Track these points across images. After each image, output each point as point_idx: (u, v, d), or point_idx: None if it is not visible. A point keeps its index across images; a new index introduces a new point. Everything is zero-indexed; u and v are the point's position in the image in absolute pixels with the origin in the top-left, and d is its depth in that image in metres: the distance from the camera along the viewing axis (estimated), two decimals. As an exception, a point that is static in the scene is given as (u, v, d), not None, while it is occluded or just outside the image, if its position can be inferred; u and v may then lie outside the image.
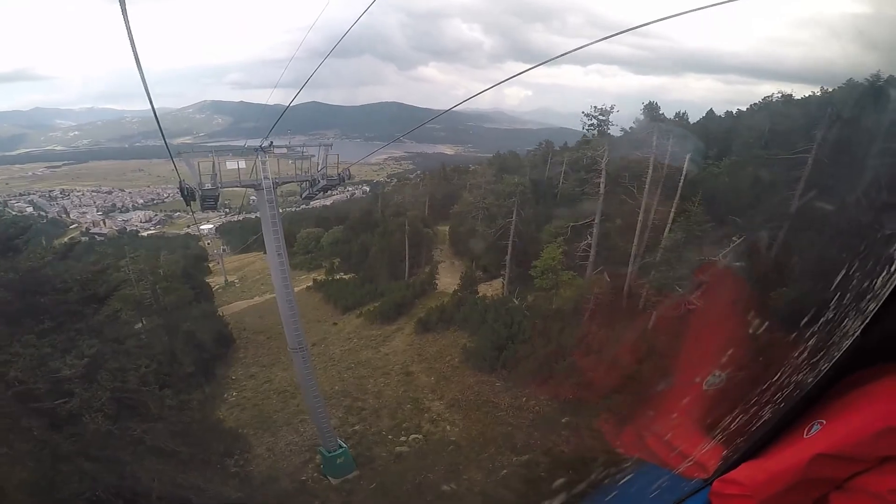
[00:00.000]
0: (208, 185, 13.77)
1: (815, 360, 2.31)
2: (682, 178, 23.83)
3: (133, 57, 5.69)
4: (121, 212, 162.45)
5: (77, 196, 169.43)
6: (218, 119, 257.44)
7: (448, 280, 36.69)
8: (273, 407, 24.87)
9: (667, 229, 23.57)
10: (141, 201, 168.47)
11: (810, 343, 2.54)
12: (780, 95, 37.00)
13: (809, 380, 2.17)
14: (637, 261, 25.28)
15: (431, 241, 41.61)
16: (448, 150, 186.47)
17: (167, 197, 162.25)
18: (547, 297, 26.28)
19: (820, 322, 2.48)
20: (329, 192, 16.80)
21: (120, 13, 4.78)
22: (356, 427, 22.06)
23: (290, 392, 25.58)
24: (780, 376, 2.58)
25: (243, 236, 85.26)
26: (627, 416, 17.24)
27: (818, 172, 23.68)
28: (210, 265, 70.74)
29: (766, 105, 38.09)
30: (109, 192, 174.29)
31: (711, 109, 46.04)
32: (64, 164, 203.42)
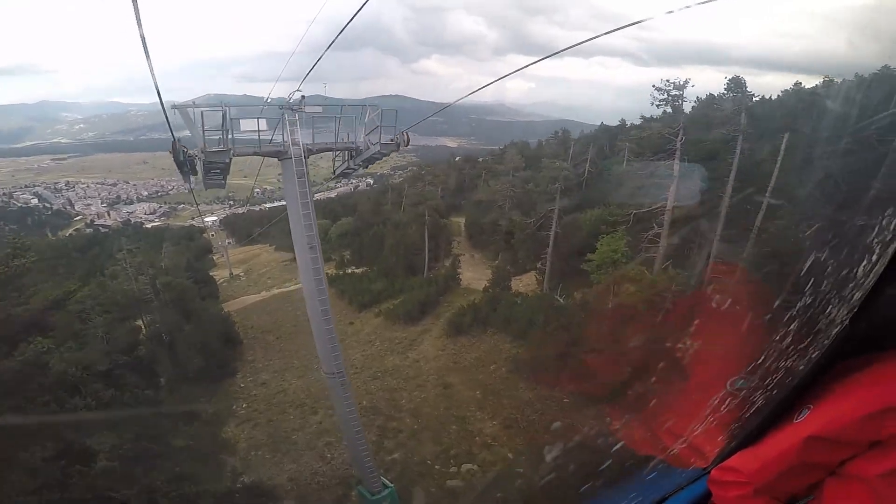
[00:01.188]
0: (216, 148, 9.74)
1: (802, 346, 2.36)
2: (779, 159, 20.02)
3: (143, 50, 5.36)
4: (125, 204, 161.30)
5: (82, 188, 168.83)
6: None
7: (470, 275, 33.04)
8: (291, 424, 21.34)
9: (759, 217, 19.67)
10: (145, 193, 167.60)
11: (792, 328, 2.56)
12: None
13: (801, 367, 2.21)
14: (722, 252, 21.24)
15: (451, 232, 37.66)
16: (451, 142, 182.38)
17: (171, 189, 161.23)
18: (601, 295, 22.27)
19: (798, 307, 2.51)
20: (370, 165, 12.70)
21: (129, 8, 4.44)
22: (395, 455, 18.38)
23: (310, 406, 22.06)
24: (765, 360, 2.63)
25: (248, 229, 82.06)
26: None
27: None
28: (215, 258, 67.65)
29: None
30: (114, 185, 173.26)
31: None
32: (69, 157, 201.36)
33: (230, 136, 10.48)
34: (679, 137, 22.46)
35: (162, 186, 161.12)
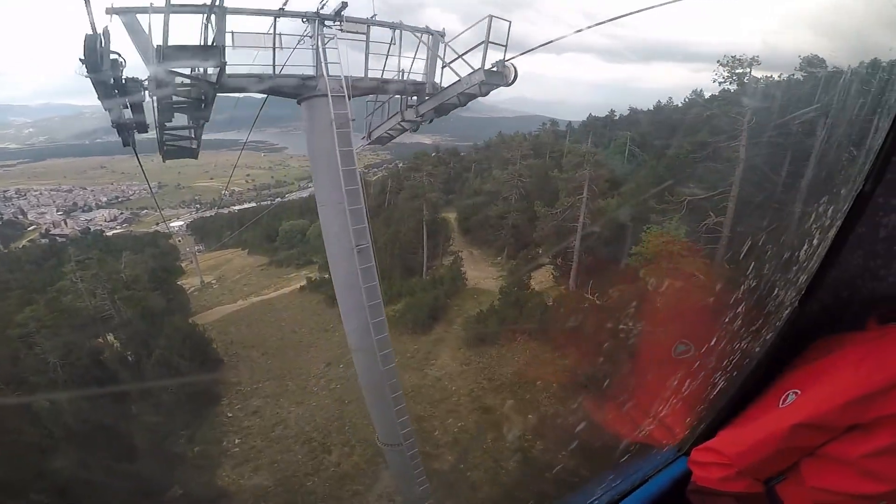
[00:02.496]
0: (190, 72, 5.52)
1: (754, 328, 2.44)
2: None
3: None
4: (83, 211, 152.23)
5: (35, 196, 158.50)
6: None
7: (474, 273, 29.23)
8: (301, 467, 17.20)
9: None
10: (104, 199, 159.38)
11: (740, 310, 2.66)
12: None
13: (757, 349, 2.28)
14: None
15: (449, 228, 33.76)
16: (426, 139, 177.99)
17: (133, 194, 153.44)
18: (645, 293, 18.82)
19: (742, 290, 2.67)
20: (445, 114, 8.51)
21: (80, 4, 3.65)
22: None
23: (319, 442, 18.01)
24: (717, 341, 2.77)
25: (218, 233, 76.63)
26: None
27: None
28: (183, 265, 62.30)
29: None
30: (70, 191, 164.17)
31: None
32: (19, 163, 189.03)
33: (216, 53, 6.01)
34: (747, 118, 19.61)
35: (122, 191, 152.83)
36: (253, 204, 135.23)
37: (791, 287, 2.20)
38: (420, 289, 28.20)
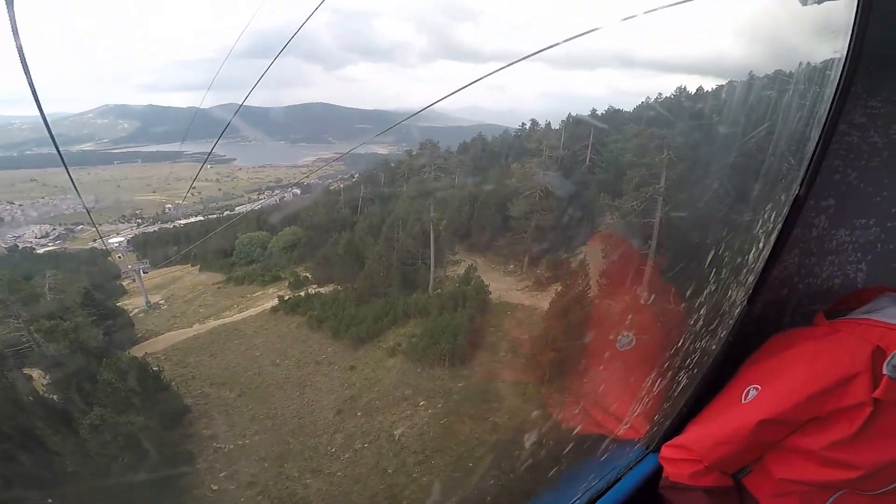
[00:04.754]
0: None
1: (711, 327, 2.49)
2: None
3: (18, 55, 3.86)
4: (11, 227, 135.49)
5: None
6: (123, 124, 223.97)
7: (492, 285, 23.41)
8: None
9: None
10: (35, 214, 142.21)
11: (702, 312, 2.70)
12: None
13: (714, 347, 2.35)
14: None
15: (451, 234, 27.88)
16: (381, 149, 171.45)
17: (67, 209, 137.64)
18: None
19: (704, 294, 2.73)
20: None
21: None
22: None
23: None
24: (683, 342, 2.74)
25: (163, 249, 65.59)
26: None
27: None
28: (125, 283, 52.94)
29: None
30: None
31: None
32: None
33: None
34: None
35: (55, 206, 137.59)
36: (200, 217, 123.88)
37: (741, 287, 2.27)
38: (432, 306, 22.28)
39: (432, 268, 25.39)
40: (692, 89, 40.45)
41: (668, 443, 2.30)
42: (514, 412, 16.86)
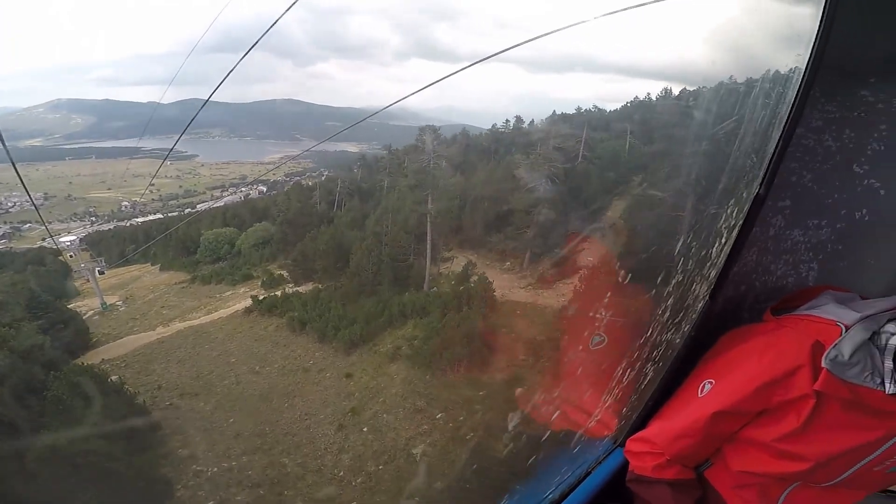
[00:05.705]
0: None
1: (676, 320, 2.46)
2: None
3: None
4: None
5: None
6: (77, 119, 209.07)
7: (493, 283, 21.21)
8: None
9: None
10: None
11: (669, 303, 2.63)
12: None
13: (677, 340, 2.34)
14: None
15: (446, 228, 25.49)
16: (352, 147, 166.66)
17: (13, 206, 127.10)
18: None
19: (672, 283, 2.64)
20: None
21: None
22: None
23: None
24: (652, 332, 2.69)
25: (120, 247, 61.15)
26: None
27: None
28: (77, 284, 48.10)
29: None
30: None
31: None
32: None
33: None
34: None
35: (0, 203, 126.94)
36: (159, 215, 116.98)
37: (705, 282, 2.24)
38: (438, 306, 19.78)
39: (428, 264, 22.92)
40: (661, 93, 40.38)
41: (633, 437, 2.29)
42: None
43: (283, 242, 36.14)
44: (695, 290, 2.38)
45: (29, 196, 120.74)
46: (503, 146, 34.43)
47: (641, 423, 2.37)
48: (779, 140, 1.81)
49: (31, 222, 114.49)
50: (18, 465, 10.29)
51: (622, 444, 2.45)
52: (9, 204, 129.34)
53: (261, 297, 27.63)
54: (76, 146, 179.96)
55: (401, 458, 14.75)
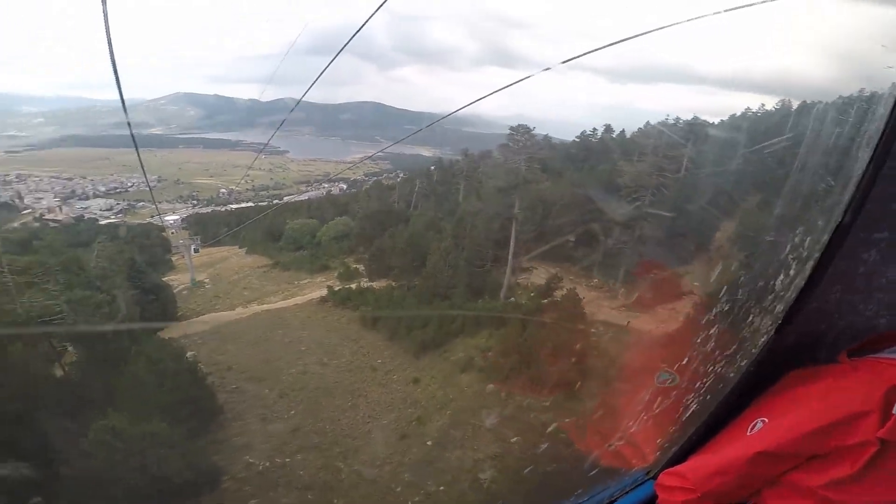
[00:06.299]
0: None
1: (728, 353, 2.28)
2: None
3: (107, 44, 4.45)
4: (80, 199, 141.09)
5: (34, 181, 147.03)
6: (191, 111, 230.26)
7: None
8: None
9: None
10: (103, 189, 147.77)
11: (713, 332, 2.49)
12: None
13: (731, 374, 2.15)
14: None
15: (530, 236, 23.47)
16: (425, 151, 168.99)
17: (131, 186, 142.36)
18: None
19: (715, 312, 2.51)
20: None
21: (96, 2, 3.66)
22: None
23: None
24: (690, 362, 2.58)
25: (214, 230, 63.60)
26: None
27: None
28: (173, 259, 51.37)
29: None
30: (70, 179, 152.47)
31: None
32: (25, 150, 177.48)
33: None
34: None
35: (122, 183, 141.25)
36: (250, 204, 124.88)
37: (767, 315, 2.09)
38: (518, 319, 17.94)
39: (509, 271, 21.15)
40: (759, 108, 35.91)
41: (668, 470, 2.17)
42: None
43: (361, 237, 36.01)
44: (752, 322, 2.18)
45: (145, 178, 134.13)
46: (593, 154, 31.99)
47: (682, 456, 2.16)
48: (869, 161, 1.57)
49: (144, 201, 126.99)
50: (80, 437, 9.95)
51: (654, 477, 2.26)
52: (129, 184, 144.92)
53: (336, 289, 27.33)
54: (188, 136, 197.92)
55: (465, 481, 13.10)
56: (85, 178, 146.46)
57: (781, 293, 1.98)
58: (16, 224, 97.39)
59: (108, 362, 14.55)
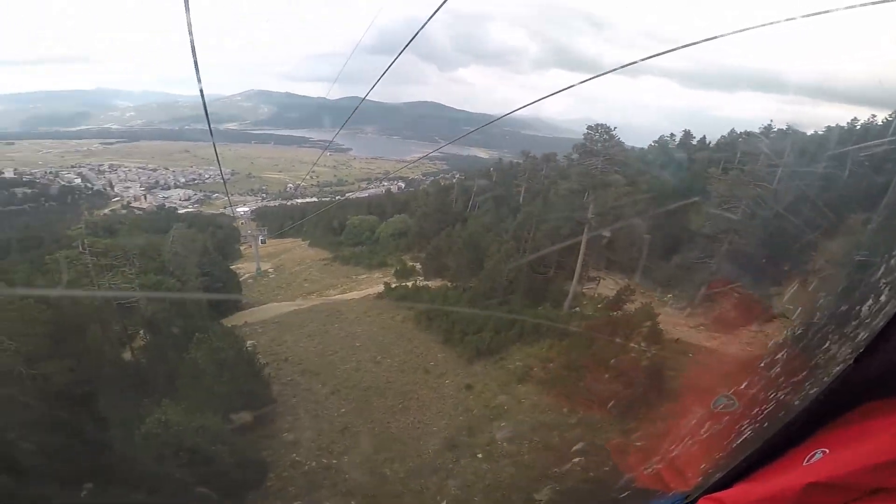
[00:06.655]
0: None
1: (796, 380, 2.13)
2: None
3: (189, 44, 4.57)
4: (162, 189, 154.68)
5: (124, 171, 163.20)
6: (264, 108, 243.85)
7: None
8: None
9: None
10: (183, 180, 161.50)
11: (780, 357, 2.38)
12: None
13: (797, 402, 1.96)
14: None
15: (602, 241, 21.70)
16: (482, 153, 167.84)
17: (208, 178, 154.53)
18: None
19: (784, 335, 2.10)
20: None
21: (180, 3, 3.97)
22: None
23: None
24: (749, 387, 2.37)
25: (280, 222, 67.20)
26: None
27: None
28: (242, 248, 53.72)
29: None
30: (154, 170, 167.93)
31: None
32: (117, 142, 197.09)
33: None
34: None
35: (199, 175, 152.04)
36: (314, 199, 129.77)
37: (847, 342, 1.88)
38: (584, 330, 16.48)
39: (576, 278, 19.59)
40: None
41: (708, 496, 1.99)
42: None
43: (419, 235, 35.66)
44: (829, 349, 2.04)
45: (220, 171, 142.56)
46: (673, 160, 29.56)
47: (726, 483, 1.97)
48: None
49: (218, 193, 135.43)
50: (133, 431, 9.79)
51: (693, 503, 2.10)
52: (206, 176, 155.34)
53: (392, 286, 27.04)
54: (260, 132, 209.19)
55: (518, 501, 11.95)
56: (167, 169, 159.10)
57: (867, 320, 1.82)
58: (106, 211, 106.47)
59: (173, 348, 14.81)
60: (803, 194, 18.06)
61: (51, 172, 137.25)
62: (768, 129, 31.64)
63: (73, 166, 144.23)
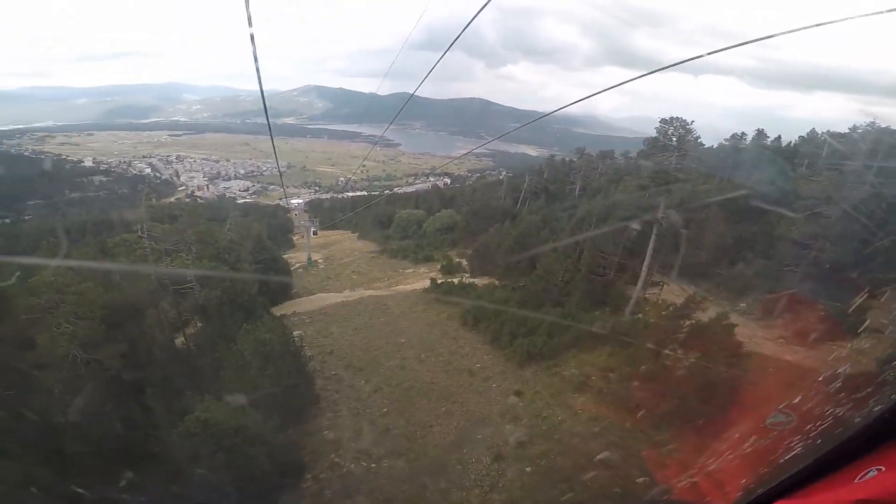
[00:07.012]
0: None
1: (859, 395, 1.95)
2: None
3: (250, 41, 4.87)
4: (224, 180, 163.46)
5: (190, 162, 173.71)
6: (319, 103, 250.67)
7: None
8: None
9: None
10: (242, 172, 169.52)
11: (841, 370, 2.25)
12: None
13: (858, 419, 1.78)
14: None
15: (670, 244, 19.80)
16: (531, 150, 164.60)
17: (266, 170, 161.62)
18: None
19: (850, 349, 2.18)
20: None
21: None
22: None
23: None
24: (803, 401, 2.32)
25: (331, 214, 68.82)
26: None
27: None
28: (294, 238, 55.00)
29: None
30: (217, 161, 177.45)
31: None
32: (185, 134, 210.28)
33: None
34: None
35: (258, 167, 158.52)
36: (364, 192, 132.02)
37: None
38: (650, 339, 14.94)
39: (641, 283, 17.93)
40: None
41: None
42: None
43: (466, 231, 34.80)
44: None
45: (277, 164, 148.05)
46: (747, 159, 26.97)
47: (770, 498, 1.86)
48: None
49: (274, 184, 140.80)
50: (175, 425, 9.45)
51: None
52: (263, 168, 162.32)
53: (439, 281, 26.36)
54: (315, 127, 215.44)
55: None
56: (229, 160, 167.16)
57: None
58: (172, 199, 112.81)
59: (222, 337, 14.70)
60: (884, 196, 15.69)
61: (125, 162, 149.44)
62: (854, 128, 28.29)
63: (144, 156, 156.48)
